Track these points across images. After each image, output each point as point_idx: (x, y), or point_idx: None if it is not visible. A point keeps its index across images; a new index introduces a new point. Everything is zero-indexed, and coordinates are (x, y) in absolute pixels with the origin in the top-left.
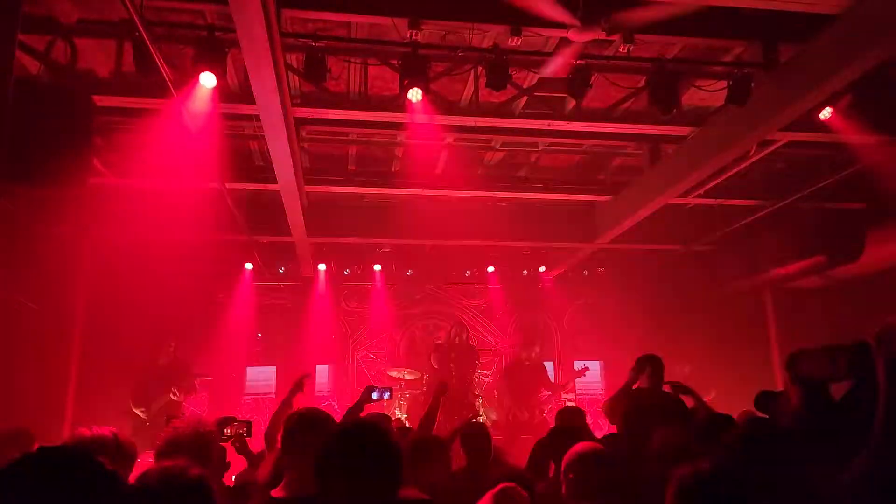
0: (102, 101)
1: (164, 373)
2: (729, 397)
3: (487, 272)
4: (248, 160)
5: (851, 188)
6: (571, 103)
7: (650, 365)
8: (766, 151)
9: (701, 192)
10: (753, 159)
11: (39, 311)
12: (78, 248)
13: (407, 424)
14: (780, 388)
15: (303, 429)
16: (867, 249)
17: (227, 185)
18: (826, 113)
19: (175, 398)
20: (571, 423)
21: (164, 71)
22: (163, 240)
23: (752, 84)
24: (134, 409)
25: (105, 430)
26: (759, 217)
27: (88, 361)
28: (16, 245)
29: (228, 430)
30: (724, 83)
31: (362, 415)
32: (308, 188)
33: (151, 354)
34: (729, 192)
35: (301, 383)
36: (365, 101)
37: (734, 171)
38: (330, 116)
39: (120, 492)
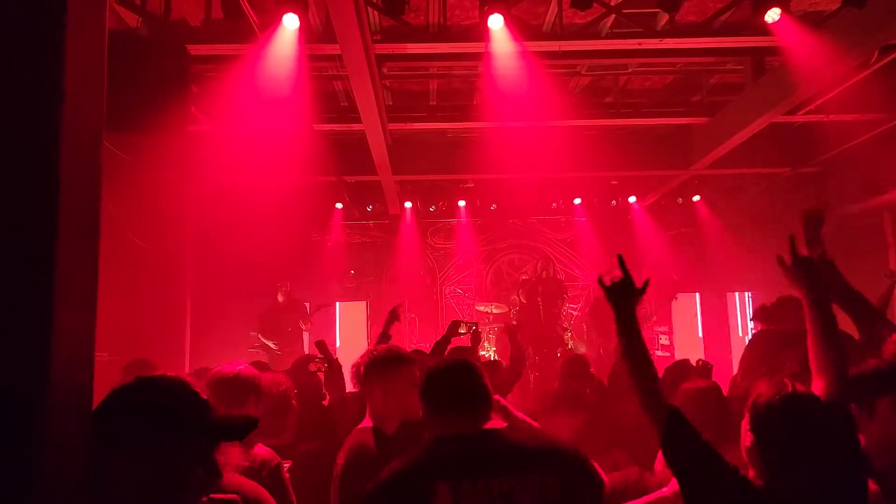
0: (196, 49)
1: (285, 310)
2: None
3: (574, 204)
4: (333, 101)
5: None
6: (664, 18)
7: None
8: (889, 58)
9: (811, 107)
10: (874, 68)
11: (153, 251)
12: (182, 193)
13: (496, 357)
14: None
15: (378, 364)
16: None
17: (315, 127)
18: None
19: (304, 328)
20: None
21: (250, 15)
22: (258, 183)
23: None
24: (265, 342)
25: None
26: (878, 133)
27: (199, 299)
28: (125, 191)
29: (312, 367)
30: None
31: (448, 348)
32: (391, 126)
33: (271, 294)
34: (844, 107)
35: (396, 313)
36: (445, 33)
37: (851, 82)
38: (410, 51)
39: (208, 419)
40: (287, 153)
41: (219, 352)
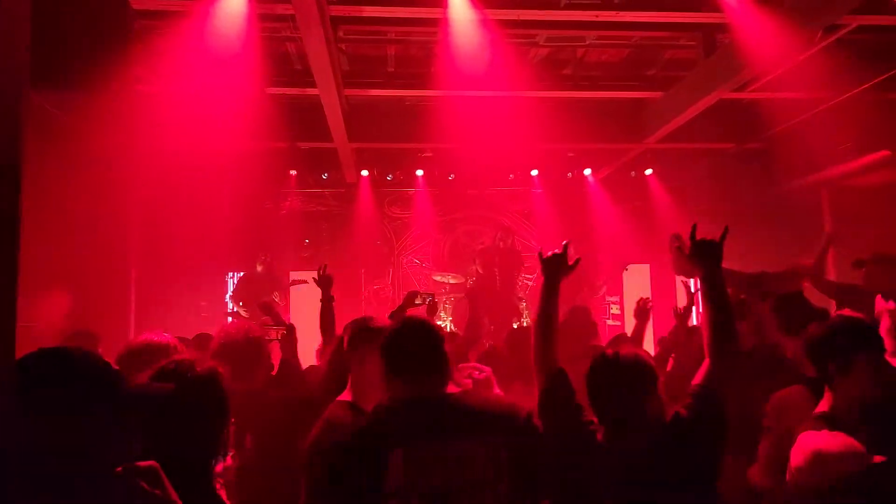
0: (138, 3)
1: (263, 279)
2: None
3: (531, 176)
4: (286, 64)
5: None
6: None
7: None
8: (833, 37)
9: (758, 84)
10: (818, 47)
11: (94, 218)
12: (126, 157)
13: (452, 328)
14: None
15: (366, 334)
16: None
17: (267, 90)
18: None
19: (276, 300)
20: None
21: None
22: (207, 148)
23: None
24: (236, 308)
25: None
26: (819, 112)
27: (144, 269)
28: (63, 153)
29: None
30: None
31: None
32: (348, 92)
33: (250, 264)
34: (788, 85)
35: (324, 275)
36: None
37: (796, 60)
38: (367, 14)
39: (121, 391)
40: (237, 117)
41: (166, 324)
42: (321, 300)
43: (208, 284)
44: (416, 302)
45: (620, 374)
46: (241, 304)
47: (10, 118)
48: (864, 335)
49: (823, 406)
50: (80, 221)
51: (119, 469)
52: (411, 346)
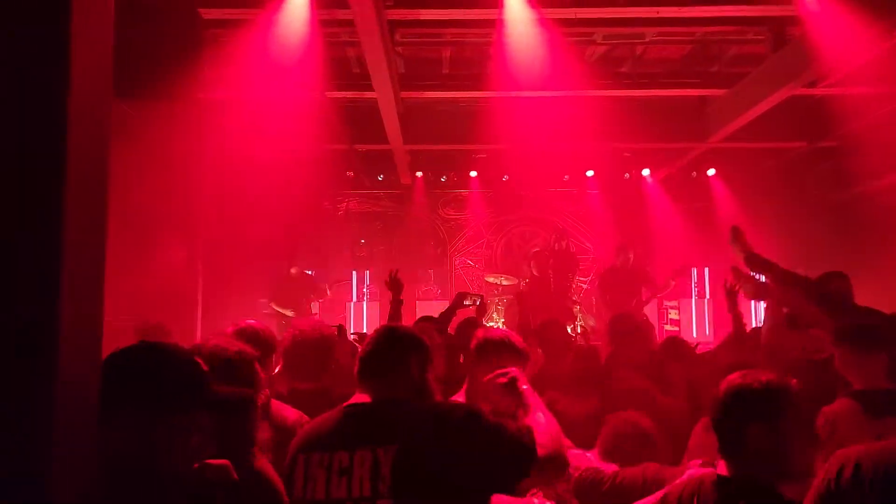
0: (208, 13)
1: (298, 281)
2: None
3: (586, 176)
4: (345, 67)
5: None
6: None
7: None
8: None
9: (831, 80)
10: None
11: (167, 217)
12: (194, 160)
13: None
14: None
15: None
16: None
17: (327, 94)
18: None
19: (314, 306)
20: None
21: None
22: (269, 151)
23: None
24: (279, 310)
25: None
26: None
27: (210, 266)
28: (137, 157)
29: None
30: None
31: (455, 320)
32: (404, 94)
33: (282, 262)
34: (864, 80)
35: (396, 279)
36: None
37: (872, 54)
38: (423, 17)
39: (208, 391)
40: (299, 121)
41: (230, 317)
42: (391, 302)
43: (270, 282)
44: (466, 303)
45: None
46: (279, 304)
47: (98, 127)
48: None
49: None
50: (154, 220)
51: (196, 465)
52: (369, 349)
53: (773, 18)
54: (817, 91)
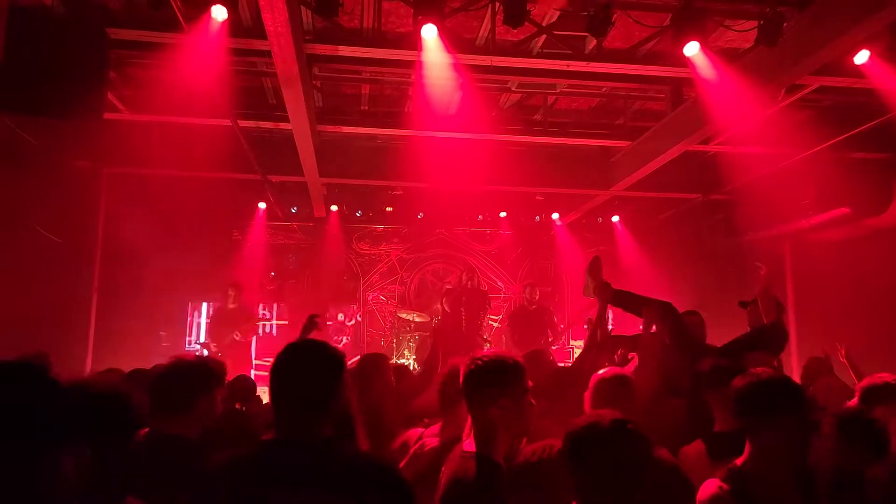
0: (115, 33)
1: (232, 315)
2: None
3: (499, 217)
4: (261, 98)
5: (880, 138)
6: (592, 42)
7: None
8: (795, 97)
9: (723, 139)
10: (780, 105)
11: (61, 243)
12: (95, 183)
13: (415, 366)
14: (792, 338)
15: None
16: (894, 202)
17: (240, 123)
18: (862, 56)
19: (238, 338)
20: None
21: (175, 4)
22: (178, 177)
23: (784, 24)
24: (210, 344)
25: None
26: (783, 166)
27: (107, 294)
28: (35, 178)
29: None
30: (754, 23)
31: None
32: (320, 127)
33: (222, 299)
34: (751, 140)
35: (314, 321)
36: (378, 38)
37: (760, 116)
38: (342, 53)
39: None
40: (209, 148)
41: (126, 350)
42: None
43: (170, 313)
44: (315, 321)
45: None
46: (211, 337)
47: None
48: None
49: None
50: (46, 243)
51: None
52: (284, 374)
53: (672, 79)
54: (710, 148)
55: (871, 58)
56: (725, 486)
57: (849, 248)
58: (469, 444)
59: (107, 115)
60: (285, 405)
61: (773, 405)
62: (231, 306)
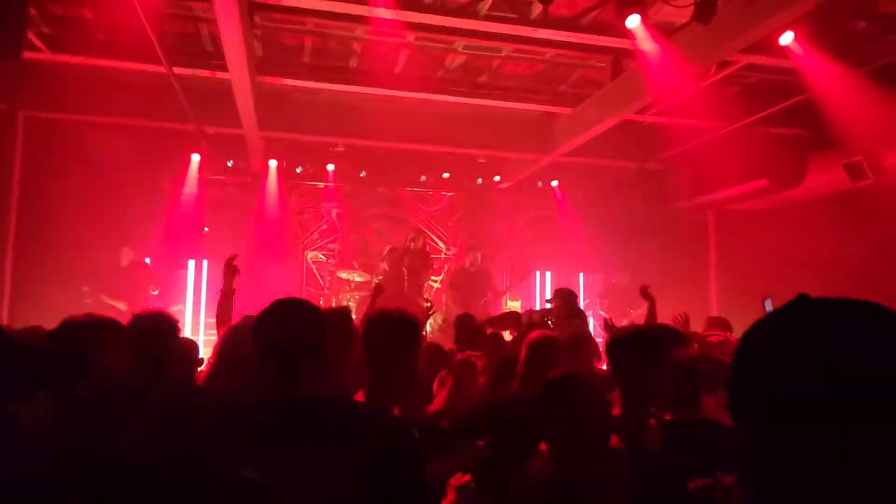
0: None
1: (131, 273)
2: (664, 311)
3: (442, 178)
4: (197, 44)
5: (797, 115)
6: (538, 8)
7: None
8: (724, 73)
9: (657, 109)
10: (711, 80)
11: None
12: (11, 128)
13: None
14: (713, 303)
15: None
16: (808, 176)
17: (175, 69)
18: (787, 38)
19: (154, 293)
20: None
21: None
22: (104, 124)
23: (719, 2)
24: (112, 303)
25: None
26: (710, 139)
27: (24, 250)
28: None
29: None
30: None
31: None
32: (260, 78)
33: (114, 248)
34: (683, 112)
35: (232, 265)
36: None
37: (692, 90)
38: (286, 3)
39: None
40: (140, 94)
41: (46, 307)
42: (221, 291)
43: (94, 268)
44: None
45: None
46: (111, 296)
47: None
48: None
49: None
50: None
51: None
52: (275, 329)
53: (613, 49)
54: (646, 118)
55: (794, 39)
56: None
57: (768, 218)
58: None
59: (26, 55)
60: (281, 361)
61: None
62: (124, 263)
